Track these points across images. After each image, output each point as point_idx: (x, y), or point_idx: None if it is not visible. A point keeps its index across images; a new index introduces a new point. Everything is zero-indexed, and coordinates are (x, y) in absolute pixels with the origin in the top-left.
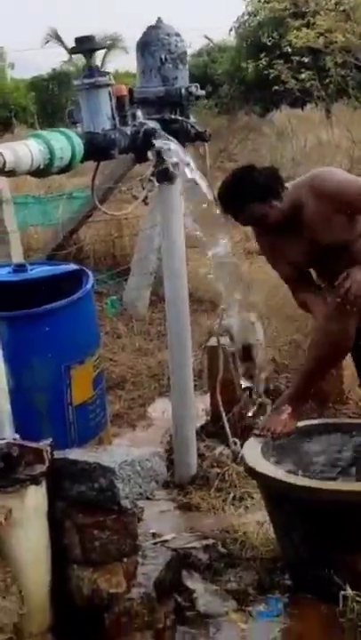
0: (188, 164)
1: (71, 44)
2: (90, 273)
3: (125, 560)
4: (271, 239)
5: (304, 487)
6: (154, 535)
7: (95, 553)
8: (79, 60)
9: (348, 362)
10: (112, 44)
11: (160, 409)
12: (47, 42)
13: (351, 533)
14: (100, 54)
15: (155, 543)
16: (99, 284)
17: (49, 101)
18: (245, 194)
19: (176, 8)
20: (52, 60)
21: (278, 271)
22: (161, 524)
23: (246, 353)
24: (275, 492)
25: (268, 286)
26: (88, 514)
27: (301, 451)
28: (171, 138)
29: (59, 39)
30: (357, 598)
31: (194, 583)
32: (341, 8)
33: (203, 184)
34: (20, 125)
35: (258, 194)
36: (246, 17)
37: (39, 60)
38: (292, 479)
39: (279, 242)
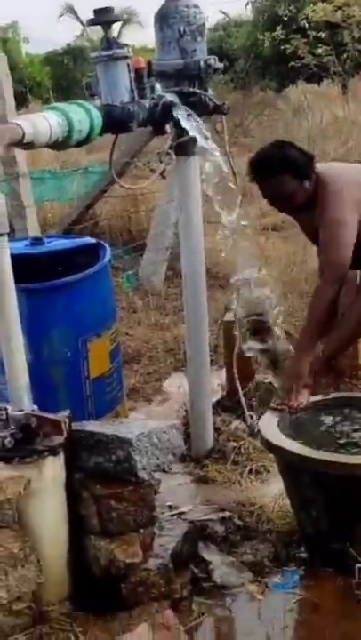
0: (206, 138)
1: (85, 18)
2: (107, 246)
3: (142, 531)
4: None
5: (321, 460)
6: (170, 507)
7: (112, 524)
8: (94, 34)
9: None
10: (128, 18)
11: (176, 384)
12: (62, 15)
13: None
14: (116, 28)
15: (171, 515)
16: (115, 259)
17: (64, 76)
18: (283, 163)
19: None
20: (68, 34)
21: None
22: (178, 496)
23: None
24: (292, 466)
25: (284, 262)
26: (105, 485)
27: (318, 424)
28: (189, 110)
29: (74, 13)
30: None
31: (210, 555)
32: None
33: (220, 157)
34: (35, 100)
35: (295, 168)
36: None
37: (54, 35)
38: (309, 452)
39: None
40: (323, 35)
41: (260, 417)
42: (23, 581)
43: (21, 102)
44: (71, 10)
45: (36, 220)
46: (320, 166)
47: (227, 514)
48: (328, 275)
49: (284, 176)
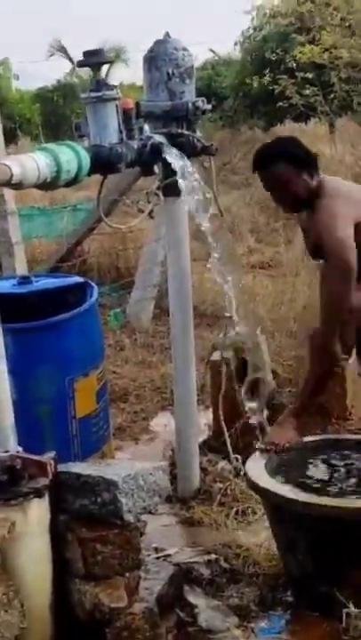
0: (195, 179)
1: (76, 56)
2: (95, 285)
3: (128, 574)
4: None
5: (308, 503)
6: (156, 550)
7: (97, 567)
8: (83, 71)
9: (353, 377)
10: (116, 55)
11: (163, 422)
12: (52, 55)
13: (356, 550)
14: (104, 67)
15: (157, 558)
16: (102, 297)
17: (53, 113)
18: (282, 151)
19: (182, 22)
20: (58, 71)
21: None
22: (163, 538)
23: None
24: (278, 508)
25: (271, 301)
26: (91, 528)
27: (305, 466)
28: (178, 152)
29: (64, 51)
30: None
31: (196, 598)
32: (347, 24)
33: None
34: (24, 137)
35: (294, 157)
36: (251, 31)
37: (44, 71)
38: (296, 495)
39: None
40: (310, 75)
41: (246, 458)
42: (6, 627)
43: (10, 139)
44: (60, 48)
45: (24, 257)
46: (326, 177)
47: (213, 556)
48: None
49: (278, 163)
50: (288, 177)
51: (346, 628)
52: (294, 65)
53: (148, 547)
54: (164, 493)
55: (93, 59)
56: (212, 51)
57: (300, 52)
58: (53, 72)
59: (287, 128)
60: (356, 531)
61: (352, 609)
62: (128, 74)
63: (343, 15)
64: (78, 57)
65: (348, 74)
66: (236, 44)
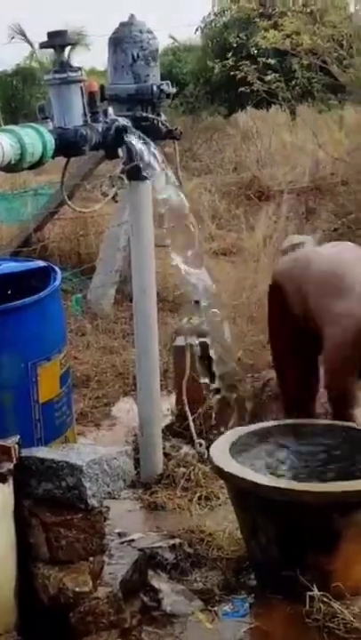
0: (159, 162)
1: (35, 39)
2: (57, 270)
3: (92, 559)
4: None
5: (273, 488)
6: (120, 535)
7: (62, 552)
8: (44, 55)
9: None
10: (78, 39)
11: (125, 408)
12: (12, 38)
13: (319, 533)
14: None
15: (121, 543)
16: (64, 282)
17: (13, 97)
18: None
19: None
20: (18, 55)
21: None
22: (127, 523)
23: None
24: (243, 493)
25: (233, 286)
26: (55, 512)
27: (269, 451)
28: (142, 135)
29: (23, 35)
30: (324, 598)
31: (160, 583)
32: (308, 10)
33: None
34: None
35: None
36: (213, 17)
37: (4, 56)
38: (261, 480)
39: None
40: (272, 62)
41: (209, 443)
42: None
43: None
44: (20, 31)
45: None
46: None
47: (177, 541)
48: None
49: None
50: None
51: (309, 610)
52: (256, 51)
53: (112, 532)
54: (129, 478)
55: (57, 40)
56: (172, 37)
57: (261, 38)
58: (13, 57)
59: (249, 115)
60: (321, 515)
61: (315, 592)
62: (88, 58)
63: (305, 1)
64: (39, 41)
65: (309, 60)
66: (197, 29)
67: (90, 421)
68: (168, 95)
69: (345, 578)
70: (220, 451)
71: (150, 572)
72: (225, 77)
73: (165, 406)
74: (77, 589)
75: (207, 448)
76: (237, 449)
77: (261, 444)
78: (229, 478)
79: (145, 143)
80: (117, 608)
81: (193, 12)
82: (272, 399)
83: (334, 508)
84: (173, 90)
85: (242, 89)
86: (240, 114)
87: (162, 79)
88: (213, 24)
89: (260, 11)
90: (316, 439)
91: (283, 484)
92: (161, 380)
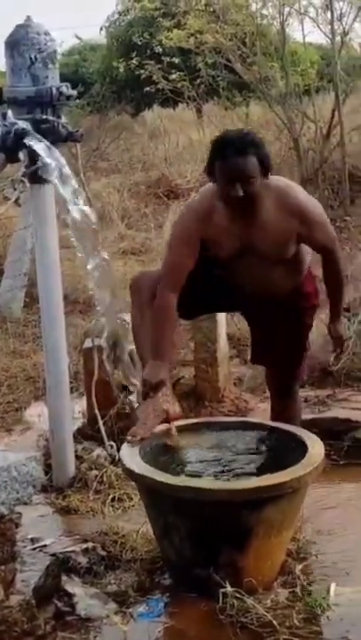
0: (60, 165)
1: None
2: None
3: (3, 567)
4: (218, 222)
5: (183, 487)
6: (32, 540)
7: None
8: None
9: (223, 360)
10: None
11: (37, 412)
12: None
13: (231, 531)
14: None
15: (33, 549)
16: None
17: None
18: (260, 145)
19: (46, 6)
20: None
21: (179, 256)
22: (40, 528)
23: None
24: (154, 493)
25: None
26: None
27: (179, 450)
28: (42, 138)
29: None
30: (237, 595)
31: (74, 587)
32: (211, 9)
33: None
34: None
35: (265, 158)
36: (117, 16)
37: None
38: (171, 479)
39: (222, 228)
40: (176, 60)
41: (121, 445)
42: None
43: None
44: None
45: None
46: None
47: (90, 544)
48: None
49: (256, 157)
50: (255, 175)
51: (222, 607)
52: (160, 50)
53: (24, 538)
54: (39, 483)
55: None
56: (77, 36)
57: (165, 37)
58: None
59: (156, 113)
60: (232, 512)
61: (228, 588)
62: None
63: (207, 0)
64: None
65: (213, 59)
66: (101, 28)
67: (1, 427)
68: (68, 97)
69: (256, 573)
70: (130, 452)
71: (64, 577)
72: (131, 76)
73: (77, 409)
74: None
75: (118, 449)
76: (148, 448)
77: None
78: (140, 479)
79: (46, 146)
80: (31, 616)
81: (98, 10)
82: (182, 397)
83: (244, 505)
84: (74, 92)
85: (147, 88)
86: (147, 112)
87: (68, 79)
88: (118, 23)
89: (163, 10)
90: (222, 435)
91: (192, 482)
92: (72, 383)
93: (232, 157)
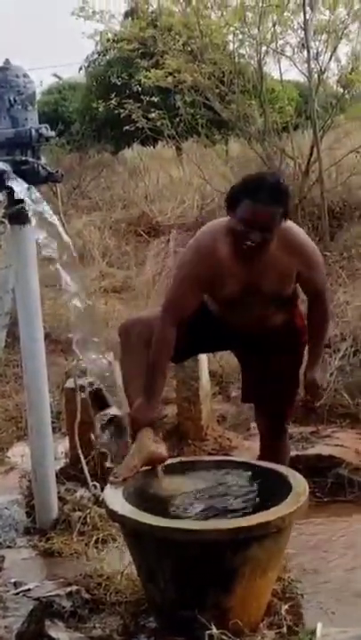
0: (40, 206)
1: None
2: None
3: None
4: (223, 263)
5: (167, 528)
6: (15, 584)
7: None
8: None
9: (205, 398)
10: None
11: (19, 453)
12: None
13: (216, 572)
14: None
15: (16, 593)
16: None
17: None
18: (289, 198)
19: (26, 46)
20: None
21: (183, 296)
22: (23, 572)
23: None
24: (137, 535)
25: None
26: None
27: (164, 490)
28: (20, 180)
29: None
30: (223, 637)
31: (58, 632)
32: (189, 48)
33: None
34: None
35: (289, 209)
36: (96, 56)
37: None
38: (155, 520)
39: (226, 269)
40: (155, 99)
41: (104, 485)
42: None
43: None
44: None
45: None
46: None
47: (74, 587)
48: None
49: (281, 214)
50: (280, 222)
51: None
52: (139, 89)
53: (8, 582)
54: (21, 527)
55: None
56: (55, 75)
57: (144, 76)
58: None
59: (136, 151)
60: (216, 553)
61: (214, 630)
62: None
63: (185, 40)
64: None
65: (192, 97)
66: (80, 68)
67: None
68: (48, 139)
69: (243, 614)
70: (113, 493)
71: (47, 622)
72: (110, 115)
73: (60, 449)
74: None
75: (102, 490)
76: (132, 489)
77: (157, 482)
78: (123, 521)
79: (25, 187)
80: None
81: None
82: (165, 436)
83: (229, 545)
84: (53, 133)
85: (127, 127)
86: (127, 150)
87: (48, 118)
88: (97, 63)
89: (142, 50)
90: (207, 475)
91: (176, 524)
92: (54, 422)
93: (264, 204)
